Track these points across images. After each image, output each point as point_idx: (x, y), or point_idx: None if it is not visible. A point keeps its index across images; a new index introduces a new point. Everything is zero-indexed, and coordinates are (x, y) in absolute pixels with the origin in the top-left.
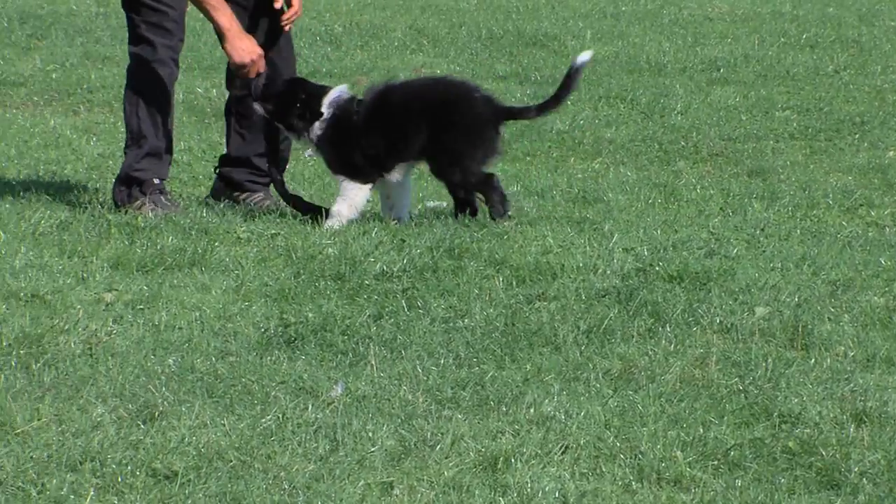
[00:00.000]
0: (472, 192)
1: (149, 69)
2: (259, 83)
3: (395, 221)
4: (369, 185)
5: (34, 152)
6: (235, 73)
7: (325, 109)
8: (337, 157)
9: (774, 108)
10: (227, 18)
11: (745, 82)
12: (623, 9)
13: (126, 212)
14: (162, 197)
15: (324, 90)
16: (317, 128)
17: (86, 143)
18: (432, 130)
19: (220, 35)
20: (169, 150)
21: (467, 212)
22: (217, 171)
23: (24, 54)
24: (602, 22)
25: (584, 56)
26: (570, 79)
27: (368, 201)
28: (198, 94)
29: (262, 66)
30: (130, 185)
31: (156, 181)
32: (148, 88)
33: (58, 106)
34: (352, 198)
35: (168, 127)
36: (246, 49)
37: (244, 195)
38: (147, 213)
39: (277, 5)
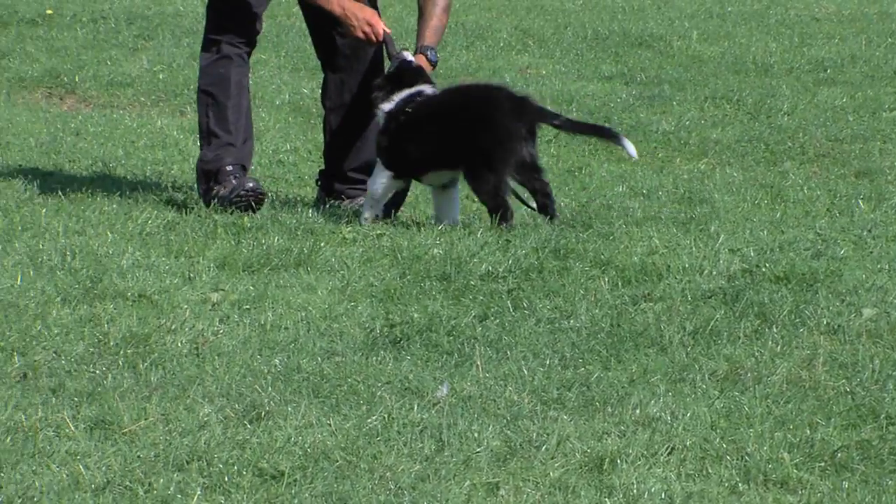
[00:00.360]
0: (548, 195)
1: (218, 67)
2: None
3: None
4: (396, 178)
5: (141, 153)
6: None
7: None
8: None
9: (882, 108)
10: (337, 5)
11: (853, 83)
12: (729, 9)
13: (231, 212)
14: (232, 177)
15: (411, 83)
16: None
17: (192, 144)
18: (462, 139)
19: (338, 19)
20: (245, 143)
21: (547, 217)
22: (318, 182)
23: (132, 55)
24: (708, 22)
25: (631, 150)
26: (603, 133)
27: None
28: (304, 94)
29: (379, 30)
30: (208, 180)
31: (228, 168)
32: (217, 86)
33: (165, 106)
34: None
35: (239, 123)
36: (362, 20)
37: (346, 202)
38: (220, 193)
39: None
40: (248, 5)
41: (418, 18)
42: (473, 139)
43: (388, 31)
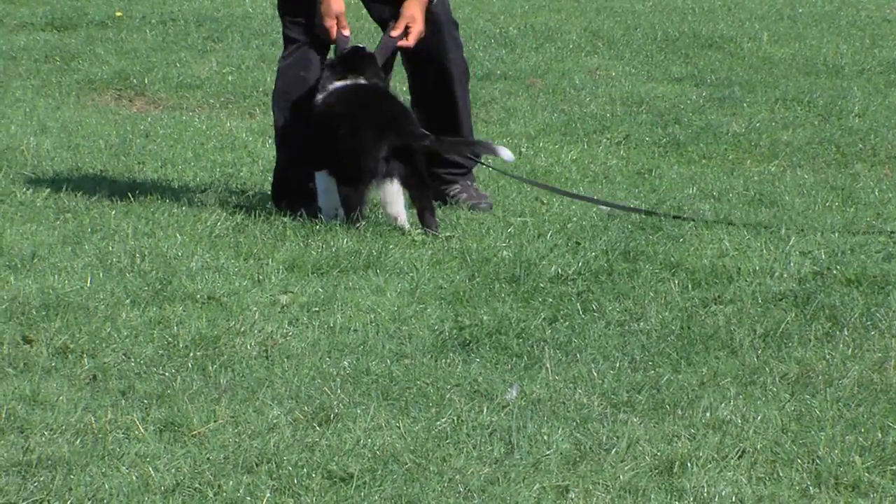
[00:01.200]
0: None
1: (295, 70)
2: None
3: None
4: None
5: (210, 155)
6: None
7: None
8: None
9: None
10: None
11: None
12: (800, 10)
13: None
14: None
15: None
16: None
17: (261, 146)
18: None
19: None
20: None
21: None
22: None
23: (201, 57)
24: (779, 24)
25: (506, 155)
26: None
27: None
28: None
29: (330, 37)
30: (286, 187)
31: (310, 185)
32: (295, 89)
33: (233, 108)
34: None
35: None
36: (322, 13)
37: (443, 187)
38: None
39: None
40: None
41: None
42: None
43: (345, 35)
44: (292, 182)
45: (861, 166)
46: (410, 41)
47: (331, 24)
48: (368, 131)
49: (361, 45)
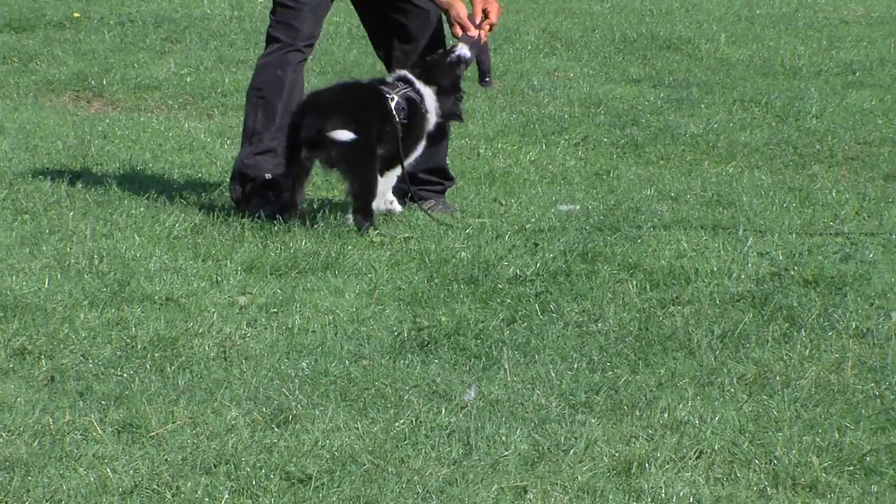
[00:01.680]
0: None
1: (273, 69)
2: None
3: None
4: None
5: (169, 156)
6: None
7: None
8: None
9: None
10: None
11: (882, 85)
12: (758, 12)
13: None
14: (271, 193)
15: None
16: None
17: (220, 147)
18: None
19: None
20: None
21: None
22: None
23: (159, 58)
24: (736, 25)
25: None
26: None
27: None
28: None
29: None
30: (244, 182)
31: (267, 176)
32: (269, 87)
33: (192, 109)
34: None
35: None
36: (462, 11)
37: (416, 203)
38: (258, 207)
39: (477, 19)
40: (313, 7)
41: None
42: None
43: (472, 34)
44: (250, 177)
45: (818, 167)
46: (494, 20)
47: (455, 30)
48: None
49: None
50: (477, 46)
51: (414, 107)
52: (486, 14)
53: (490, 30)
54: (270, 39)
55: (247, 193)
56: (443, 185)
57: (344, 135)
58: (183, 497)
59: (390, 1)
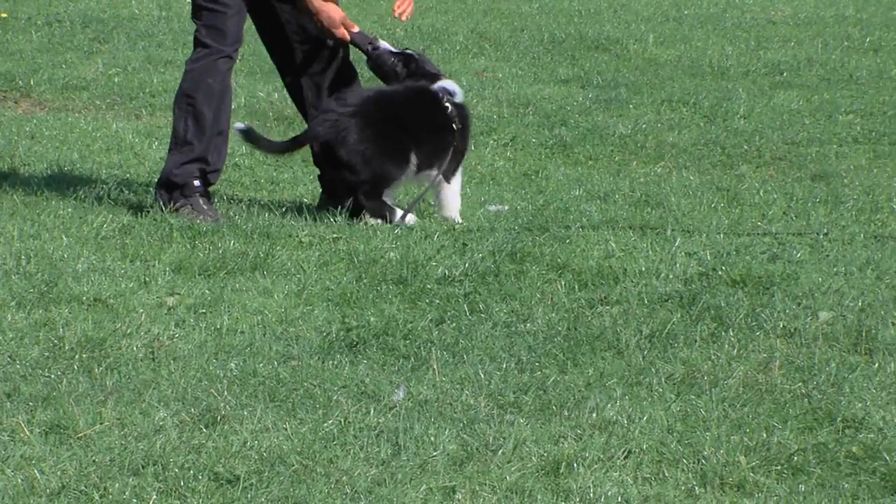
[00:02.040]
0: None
1: (203, 76)
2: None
3: None
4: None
5: (96, 156)
6: (328, 36)
7: None
8: None
9: (838, 111)
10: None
11: (809, 86)
12: (685, 12)
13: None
14: (201, 201)
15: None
16: None
17: (148, 148)
18: None
19: (309, 11)
20: (218, 156)
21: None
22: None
23: (87, 58)
24: (664, 25)
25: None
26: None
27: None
28: (260, 98)
29: (350, 24)
30: (171, 190)
31: (196, 184)
32: (200, 95)
33: (120, 110)
34: None
35: (217, 134)
36: (334, 14)
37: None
38: (183, 216)
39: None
40: (237, 10)
41: None
42: None
43: (355, 30)
44: (178, 185)
45: (746, 167)
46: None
47: (341, 33)
48: None
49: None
50: (366, 38)
51: None
52: None
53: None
54: (199, 44)
55: (173, 196)
56: None
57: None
58: (111, 498)
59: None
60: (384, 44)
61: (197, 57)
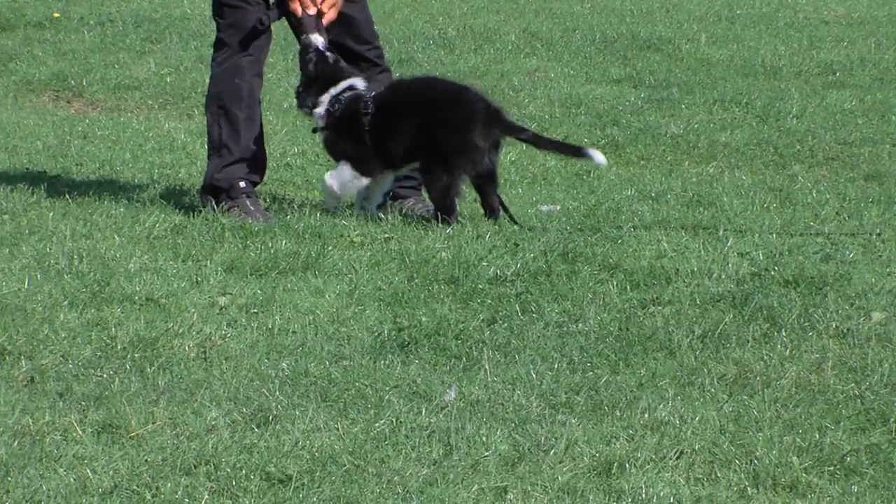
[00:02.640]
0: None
1: (230, 77)
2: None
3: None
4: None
5: (149, 156)
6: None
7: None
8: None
9: (891, 111)
10: None
11: (861, 86)
12: (738, 12)
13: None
14: (248, 202)
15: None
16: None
17: (200, 147)
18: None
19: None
20: (257, 155)
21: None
22: None
23: (139, 58)
24: (717, 25)
25: (599, 159)
26: (567, 150)
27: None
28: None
29: (309, 7)
30: (217, 194)
31: (241, 185)
32: (229, 97)
33: (172, 109)
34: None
35: (253, 134)
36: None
37: (396, 202)
38: (233, 218)
39: None
40: (258, 6)
41: None
42: (438, 138)
43: (311, 11)
44: (223, 189)
45: (799, 167)
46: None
47: (294, 6)
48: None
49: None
50: (313, 25)
51: None
52: None
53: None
54: (222, 44)
55: (219, 200)
56: (417, 180)
57: (600, 157)
58: (163, 498)
59: None
60: (320, 39)
61: (221, 59)
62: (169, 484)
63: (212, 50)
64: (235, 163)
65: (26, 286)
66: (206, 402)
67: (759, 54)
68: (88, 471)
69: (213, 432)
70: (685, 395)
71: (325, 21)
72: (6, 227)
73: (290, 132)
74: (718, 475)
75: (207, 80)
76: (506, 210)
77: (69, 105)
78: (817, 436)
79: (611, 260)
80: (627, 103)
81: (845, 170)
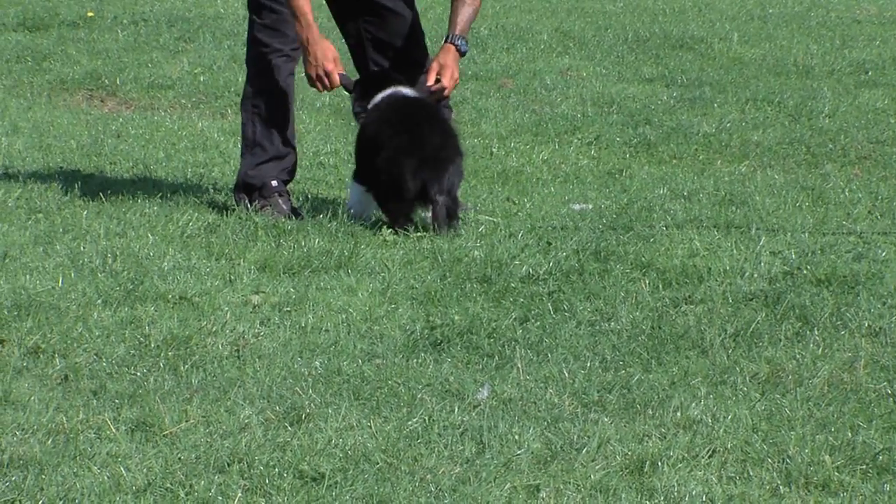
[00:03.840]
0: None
1: (264, 75)
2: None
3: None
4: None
5: (182, 155)
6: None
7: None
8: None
9: None
10: (306, 31)
11: (894, 85)
12: (770, 11)
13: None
14: (280, 200)
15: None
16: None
17: (233, 146)
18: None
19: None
20: (289, 154)
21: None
22: None
23: (172, 57)
24: (749, 24)
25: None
26: None
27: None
28: (344, 97)
29: (335, 81)
30: (250, 192)
31: (273, 184)
32: (264, 95)
33: (205, 109)
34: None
35: (286, 133)
36: (321, 64)
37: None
38: (266, 216)
39: (430, 82)
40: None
41: (451, 5)
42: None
43: (342, 73)
44: (256, 187)
45: (831, 166)
46: (448, 86)
47: (331, 67)
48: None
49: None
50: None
51: None
52: (438, 79)
53: (441, 97)
54: (257, 42)
55: (252, 198)
56: None
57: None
58: (196, 495)
59: (366, 7)
60: None
61: (257, 58)
62: (202, 482)
63: (244, 49)
64: (268, 161)
65: (60, 285)
66: (239, 400)
67: (792, 53)
68: (122, 468)
69: (247, 430)
70: (717, 394)
71: None
72: (40, 226)
73: (322, 131)
74: (751, 474)
75: (242, 79)
76: None
77: (103, 104)
78: (850, 434)
79: (643, 259)
80: (660, 102)
81: (877, 168)
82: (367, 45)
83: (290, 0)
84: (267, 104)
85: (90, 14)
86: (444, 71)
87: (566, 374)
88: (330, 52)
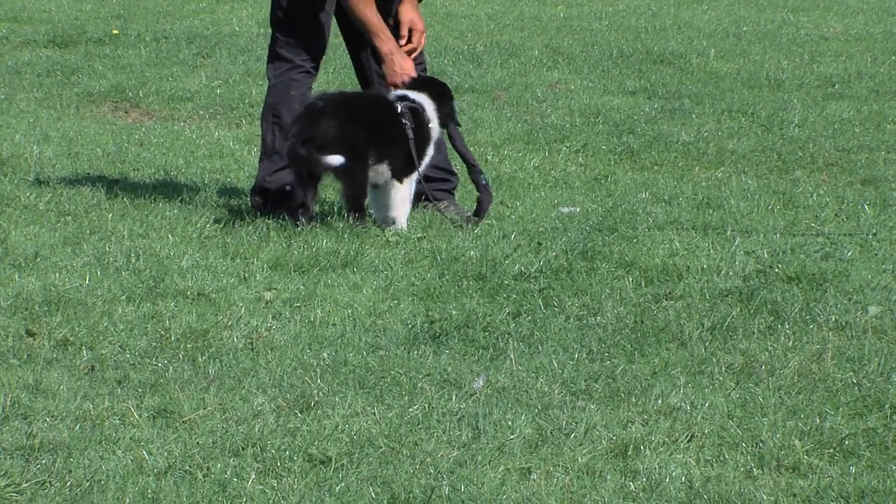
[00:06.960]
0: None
1: (287, 87)
2: None
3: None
4: None
5: (200, 162)
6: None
7: None
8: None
9: (886, 121)
10: (387, 44)
11: (859, 97)
12: (744, 29)
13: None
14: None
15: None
16: None
17: (247, 154)
18: None
19: (380, 59)
20: None
21: None
22: None
23: (192, 72)
24: (725, 41)
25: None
26: None
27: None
28: None
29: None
30: (266, 196)
31: (288, 189)
32: (284, 108)
33: (222, 119)
34: None
35: None
36: (401, 72)
37: (430, 204)
38: (279, 218)
39: (402, 41)
40: (318, 24)
41: None
42: None
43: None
44: (272, 191)
45: (801, 173)
46: (417, 43)
47: (415, 76)
48: None
49: None
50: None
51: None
52: (410, 34)
53: (413, 53)
54: (279, 57)
55: (271, 204)
56: (451, 183)
57: (335, 160)
58: (213, 477)
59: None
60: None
61: (279, 72)
62: (218, 464)
63: (260, 63)
64: (285, 168)
65: (87, 282)
66: (252, 389)
67: (764, 68)
68: (144, 452)
69: (260, 417)
70: (696, 383)
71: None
72: (69, 228)
73: None
74: (726, 457)
75: (255, 92)
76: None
77: (127, 115)
78: (818, 421)
79: (627, 258)
80: (642, 113)
81: (844, 175)
82: (371, 58)
83: (367, 21)
84: (286, 115)
85: (115, 32)
86: (415, 25)
87: (556, 365)
88: (408, 63)
